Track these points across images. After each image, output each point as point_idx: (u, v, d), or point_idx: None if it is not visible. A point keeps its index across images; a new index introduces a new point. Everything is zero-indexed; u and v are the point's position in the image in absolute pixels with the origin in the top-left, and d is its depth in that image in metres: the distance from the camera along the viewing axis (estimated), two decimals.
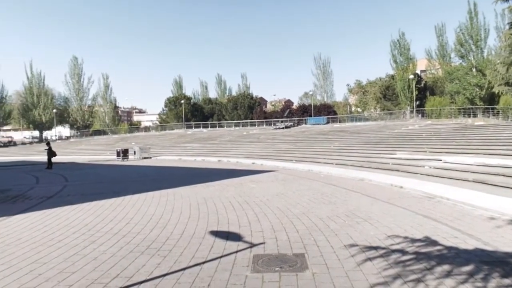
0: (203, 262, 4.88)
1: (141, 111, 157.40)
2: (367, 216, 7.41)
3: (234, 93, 79.16)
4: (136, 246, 5.72)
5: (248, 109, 68.14)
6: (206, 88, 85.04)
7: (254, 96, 73.73)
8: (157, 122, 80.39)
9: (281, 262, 4.79)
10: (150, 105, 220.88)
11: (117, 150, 32.41)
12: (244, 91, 76.36)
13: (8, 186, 14.19)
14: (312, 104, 62.44)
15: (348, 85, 73.83)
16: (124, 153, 31.25)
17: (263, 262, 4.82)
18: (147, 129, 74.52)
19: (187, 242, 5.90)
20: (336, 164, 19.49)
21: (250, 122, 61.91)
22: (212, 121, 66.93)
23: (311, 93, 73.56)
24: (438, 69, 54.62)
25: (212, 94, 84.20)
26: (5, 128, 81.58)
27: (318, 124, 50.98)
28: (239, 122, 62.71)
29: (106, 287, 4.15)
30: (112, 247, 5.72)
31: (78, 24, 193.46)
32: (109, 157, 33.83)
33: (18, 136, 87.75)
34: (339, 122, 52.26)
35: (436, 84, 51.48)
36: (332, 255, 5.06)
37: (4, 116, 66.41)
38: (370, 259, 4.84)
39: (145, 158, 31.65)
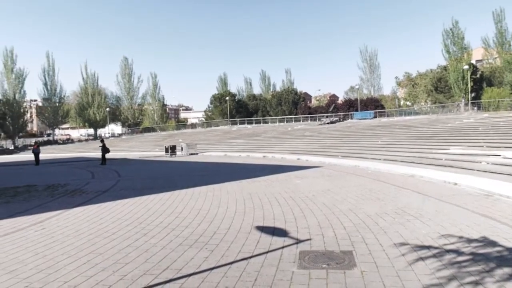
0: (250, 257, 4.92)
1: (187, 109, 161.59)
2: (418, 214, 7.10)
3: (278, 89, 79.01)
4: (184, 240, 5.88)
5: (293, 104, 67.70)
6: (251, 84, 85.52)
7: (298, 91, 73.11)
8: (203, 119, 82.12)
9: (328, 259, 4.72)
10: (196, 102, 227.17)
11: (165, 146, 33.52)
12: (288, 87, 75.94)
13: (67, 181, 15.15)
14: (358, 98, 60.82)
15: (396, 77, 71.01)
16: (172, 149, 32.23)
17: (309, 258, 4.77)
18: (193, 126, 76.35)
19: (233, 236, 5.97)
20: (384, 159, 18.88)
21: (294, 117, 61.47)
22: (256, 117, 67.20)
23: (357, 87, 71.60)
24: (496, 58, 50.94)
25: (256, 90, 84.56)
26: (63, 126, 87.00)
27: (364, 118, 49.58)
28: (284, 118, 62.48)
29: (157, 278, 4.30)
30: (162, 240, 5.92)
31: (127, 25, 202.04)
32: (158, 153, 35.05)
33: (75, 133, 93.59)
34: (387, 116, 50.48)
35: (494, 75, 48.12)
36: (381, 253, 4.90)
37: (62, 115, 70.84)
38: (422, 258, 4.63)
39: (192, 154, 32.46)
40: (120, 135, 75.68)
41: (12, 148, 63.07)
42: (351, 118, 52.93)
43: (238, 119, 65.12)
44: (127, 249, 5.50)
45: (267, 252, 5.08)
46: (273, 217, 7.25)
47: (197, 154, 32.62)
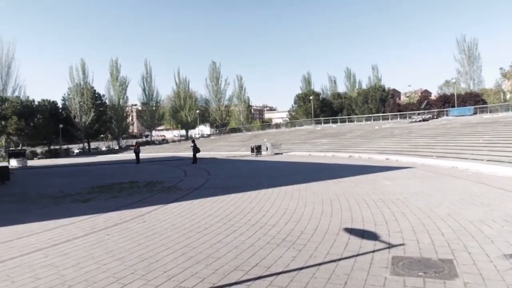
0: (339, 259, 4.80)
1: (271, 109, 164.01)
2: None
3: (364, 86, 76.25)
4: (272, 238, 5.96)
5: (380, 102, 64.74)
6: (335, 82, 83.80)
7: (386, 88, 69.71)
8: (287, 119, 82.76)
9: (424, 267, 4.40)
10: (280, 102, 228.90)
11: (251, 146, 34.45)
12: (375, 84, 72.78)
13: (163, 178, 16.40)
14: (455, 93, 55.74)
15: (501, 68, 63.22)
16: (258, 149, 32.98)
17: (403, 264, 4.49)
18: (277, 126, 77.23)
19: (321, 237, 5.89)
20: (488, 160, 17.02)
21: (382, 115, 58.67)
22: (341, 116, 65.61)
23: (453, 81, 65.43)
24: None
25: (341, 88, 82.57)
26: (159, 128, 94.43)
27: (462, 115, 45.30)
28: (370, 116, 60.02)
29: (247, 274, 4.42)
30: (251, 237, 6.08)
31: (214, 28, 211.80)
32: (244, 153, 36.14)
33: (169, 135, 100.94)
34: (490, 112, 45.50)
35: None
36: (488, 264, 4.41)
37: (158, 118, 77.01)
38: None
39: (276, 154, 32.84)
40: (208, 135, 79.67)
41: (117, 148, 70.44)
42: (447, 115, 48.80)
43: (323, 118, 64.17)
44: (218, 244, 5.75)
45: (356, 255, 4.92)
46: (362, 219, 7.00)
47: (281, 153, 32.91)
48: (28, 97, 63.06)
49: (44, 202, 11.06)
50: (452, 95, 56.21)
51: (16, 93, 61.31)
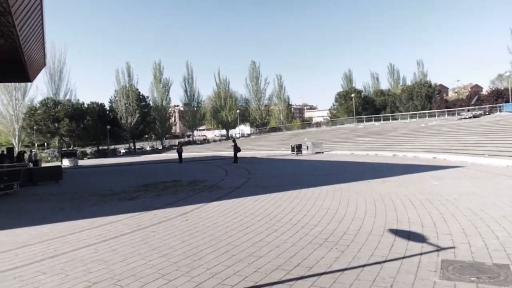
0: (384, 261, 4.65)
1: (312, 107, 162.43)
2: None
3: (408, 82, 73.70)
4: (314, 238, 5.88)
5: (426, 98, 62.23)
6: (377, 79, 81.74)
7: (432, 83, 66.83)
8: (327, 117, 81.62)
9: (477, 272, 4.15)
10: (321, 101, 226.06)
11: (291, 145, 34.31)
12: (421, 79, 70.06)
13: (205, 177, 16.72)
14: (510, 88, 52.35)
15: None
16: (298, 148, 32.78)
17: (454, 269, 4.27)
18: (318, 124, 76.37)
19: (364, 238, 5.74)
20: None
21: (428, 112, 56.28)
22: (384, 113, 63.77)
23: (507, 74, 61.51)
24: None
25: (384, 85, 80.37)
26: (200, 128, 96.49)
27: None
28: (415, 113, 57.77)
29: (289, 274, 4.39)
30: (292, 237, 6.04)
31: (255, 29, 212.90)
32: (284, 152, 36.06)
33: (210, 134, 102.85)
34: None
35: None
36: None
37: (200, 118, 78.73)
38: None
39: (317, 153, 32.49)
40: (249, 135, 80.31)
41: (161, 148, 72.72)
42: (500, 111, 45.99)
43: (365, 116, 62.66)
44: (259, 243, 5.76)
45: (402, 258, 4.74)
46: (407, 220, 6.74)
47: (322, 152, 32.50)
48: (78, 100, 66.90)
49: (94, 200, 11.63)
50: (506, 89, 52.87)
51: (68, 97, 65.31)
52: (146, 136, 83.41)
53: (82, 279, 4.56)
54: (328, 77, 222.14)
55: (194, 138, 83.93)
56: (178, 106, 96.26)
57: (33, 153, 32.71)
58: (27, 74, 27.04)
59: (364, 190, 10.48)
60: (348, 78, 79.90)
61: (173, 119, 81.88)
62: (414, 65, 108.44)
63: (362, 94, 74.27)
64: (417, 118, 54.93)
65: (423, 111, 57.68)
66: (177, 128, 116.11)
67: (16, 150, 51.09)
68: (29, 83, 56.60)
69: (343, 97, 71.89)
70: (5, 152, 24.53)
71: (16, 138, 62.52)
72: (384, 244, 5.38)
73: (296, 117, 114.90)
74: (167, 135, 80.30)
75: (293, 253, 5.18)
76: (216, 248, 5.62)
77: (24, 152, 30.56)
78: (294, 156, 30.65)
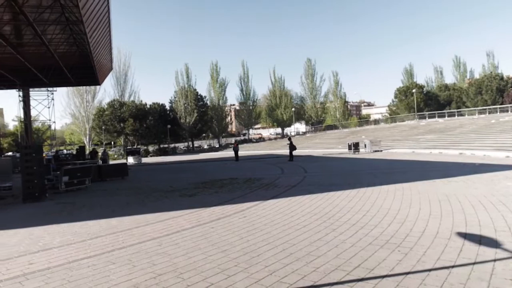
0: (452, 266, 4.38)
1: (369, 104, 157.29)
2: None
3: (476, 76, 68.52)
4: (374, 239, 5.70)
5: (497, 92, 57.47)
6: (441, 73, 77.01)
7: (504, 76, 61.57)
8: (386, 114, 78.50)
9: None
10: (378, 97, 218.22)
11: (348, 143, 33.44)
12: (491, 72, 64.82)
13: (261, 175, 16.85)
14: None
15: None
16: (355, 146, 31.89)
17: None
18: (376, 122, 73.66)
19: (429, 241, 5.44)
20: None
21: (500, 107, 51.89)
22: (449, 109, 59.84)
23: None
24: None
25: (449, 79, 75.69)
26: (256, 126, 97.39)
27: None
28: (485, 109, 53.56)
29: (349, 275, 4.30)
30: (351, 237, 5.89)
31: (310, 26, 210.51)
32: (341, 150, 35.27)
33: (265, 133, 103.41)
34: None
35: None
36: None
37: (255, 117, 79.49)
38: None
39: (375, 151, 31.37)
40: (304, 133, 79.59)
41: (217, 146, 74.55)
42: None
43: (427, 113, 59.27)
44: (317, 242, 5.70)
45: (473, 264, 4.42)
46: (478, 223, 6.28)
47: (381, 151, 31.34)
48: (141, 101, 70.53)
49: (156, 196, 12.23)
50: None
51: (132, 98, 69.24)
52: (204, 134, 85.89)
53: (147, 270, 4.82)
54: (387, 73, 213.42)
55: (250, 136, 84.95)
56: (234, 105, 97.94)
57: (105, 151, 35.09)
58: (97, 77, 29.16)
59: (428, 190, 9.95)
60: (409, 73, 76.25)
61: (229, 118, 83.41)
62: (483, 56, 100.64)
63: (424, 89, 70.32)
64: (487, 114, 50.87)
65: (493, 106, 53.31)
66: (233, 127, 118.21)
67: (87, 148, 55.30)
68: (98, 86, 61.38)
69: (403, 93, 68.60)
70: (77, 151, 26.60)
71: (87, 137, 68.14)
72: (452, 248, 5.07)
73: (352, 114, 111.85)
74: (223, 134, 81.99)
75: (352, 253, 5.06)
76: (274, 245, 5.64)
77: (97, 151, 32.93)
78: (351, 155, 29.88)
